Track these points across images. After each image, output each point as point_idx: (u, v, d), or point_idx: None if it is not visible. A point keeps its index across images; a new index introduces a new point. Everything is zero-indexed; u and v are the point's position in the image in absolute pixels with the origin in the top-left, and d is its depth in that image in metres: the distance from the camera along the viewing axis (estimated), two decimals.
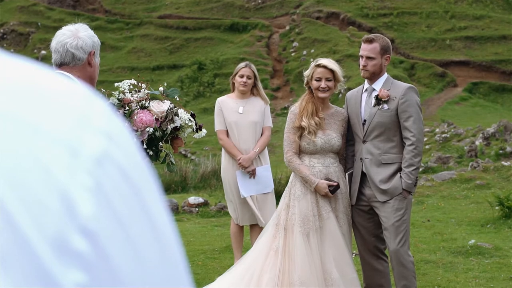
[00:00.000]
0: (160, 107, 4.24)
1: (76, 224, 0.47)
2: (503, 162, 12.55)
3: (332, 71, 5.27)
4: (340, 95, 24.72)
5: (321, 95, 5.30)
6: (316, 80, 5.29)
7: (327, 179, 5.27)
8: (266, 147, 6.75)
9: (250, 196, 6.53)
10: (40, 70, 0.54)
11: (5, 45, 40.26)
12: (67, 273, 0.46)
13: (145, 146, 4.21)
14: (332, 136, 5.34)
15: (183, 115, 4.34)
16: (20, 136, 0.47)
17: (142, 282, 0.51)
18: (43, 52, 38.39)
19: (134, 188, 0.52)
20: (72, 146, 0.49)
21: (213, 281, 5.86)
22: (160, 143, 4.30)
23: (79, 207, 0.47)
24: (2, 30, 41.13)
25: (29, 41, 40.70)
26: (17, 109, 0.49)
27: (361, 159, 5.29)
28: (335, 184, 5.24)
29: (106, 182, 0.50)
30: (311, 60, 5.53)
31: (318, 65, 5.30)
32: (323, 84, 5.27)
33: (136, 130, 4.18)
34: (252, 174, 6.53)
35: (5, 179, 0.45)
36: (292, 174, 5.44)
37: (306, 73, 5.38)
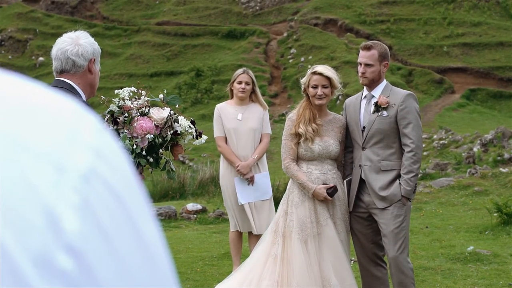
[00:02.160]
0: (160, 114, 4.24)
1: (61, 242, 0.46)
2: (501, 169, 12.56)
3: (328, 78, 5.27)
4: (338, 101, 24.75)
5: (317, 102, 5.31)
6: (312, 87, 5.29)
7: (324, 184, 5.27)
8: (265, 154, 6.75)
9: (248, 203, 6.53)
10: (29, 85, 0.53)
11: (3, 51, 40.28)
12: None
13: (144, 153, 4.22)
14: (329, 142, 5.34)
15: (183, 122, 4.34)
16: (5, 151, 0.46)
17: None
18: (41, 58, 38.42)
19: (122, 205, 0.51)
20: (59, 162, 0.48)
21: None
22: (160, 150, 4.30)
23: (64, 224, 0.46)
24: (0, 37, 41.14)
25: (27, 48, 40.71)
26: (4, 124, 0.48)
27: (360, 165, 5.30)
28: (332, 186, 5.24)
29: (93, 199, 0.49)
30: (309, 66, 5.53)
31: (314, 72, 5.30)
32: (319, 91, 5.27)
33: (136, 137, 4.18)
34: (251, 181, 6.53)
35: None
36: (290, 180, 5.44)
37: (303, 80, 5.38)
